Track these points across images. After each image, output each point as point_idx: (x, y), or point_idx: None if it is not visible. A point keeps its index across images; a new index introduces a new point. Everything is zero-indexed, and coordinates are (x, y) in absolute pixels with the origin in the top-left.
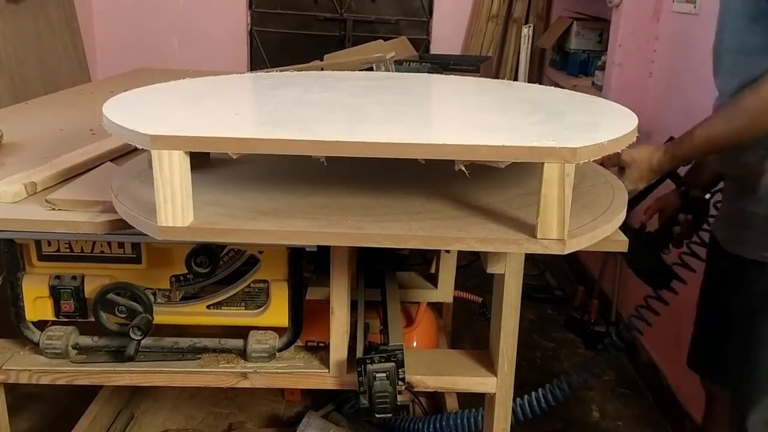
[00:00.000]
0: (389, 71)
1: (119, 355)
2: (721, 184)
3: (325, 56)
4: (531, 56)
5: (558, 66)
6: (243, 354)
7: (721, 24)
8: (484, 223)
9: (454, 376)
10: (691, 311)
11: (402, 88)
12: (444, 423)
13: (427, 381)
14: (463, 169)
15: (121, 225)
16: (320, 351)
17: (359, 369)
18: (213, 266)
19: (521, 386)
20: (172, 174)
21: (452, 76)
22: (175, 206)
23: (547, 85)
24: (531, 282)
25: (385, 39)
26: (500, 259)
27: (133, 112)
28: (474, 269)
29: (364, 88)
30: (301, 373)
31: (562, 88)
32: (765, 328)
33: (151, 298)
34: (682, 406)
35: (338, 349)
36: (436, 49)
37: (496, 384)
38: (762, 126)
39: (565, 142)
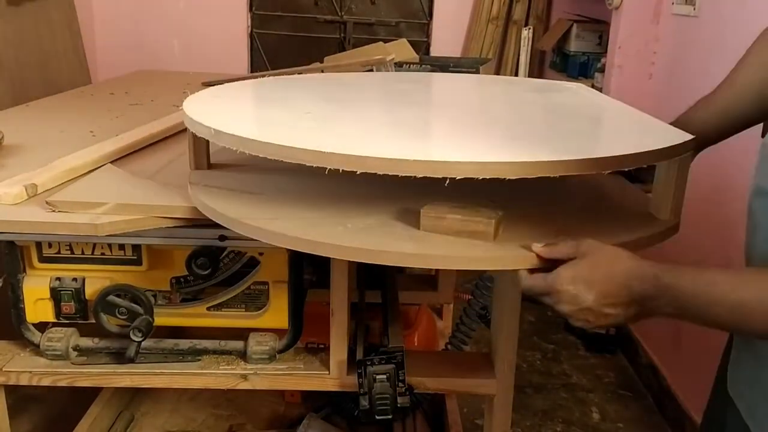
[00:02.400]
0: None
1: (120, 357)
2: None
3: (325, 58)
4: (531, 58)
5: (558, 68)
6: (243, 356)
7: None
8: None
9: (454, 378)
10: None
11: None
12: None
13: (427, 383)
14: None
15: (121, 227)
16: (320, 353)
17: (359, 371)
18: (213, 268)
19: (522, 388)
20: None
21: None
22: None
23: None
24: None
25: (385, 41)
26: None
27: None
28: (474, 270)
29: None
30: (302, 375)
31: None
32: None
33: (152, 299)
34: (682, 407)
35: (338, 351)
36: (436, 51)
37: (496, 386)
38: None
39: None
